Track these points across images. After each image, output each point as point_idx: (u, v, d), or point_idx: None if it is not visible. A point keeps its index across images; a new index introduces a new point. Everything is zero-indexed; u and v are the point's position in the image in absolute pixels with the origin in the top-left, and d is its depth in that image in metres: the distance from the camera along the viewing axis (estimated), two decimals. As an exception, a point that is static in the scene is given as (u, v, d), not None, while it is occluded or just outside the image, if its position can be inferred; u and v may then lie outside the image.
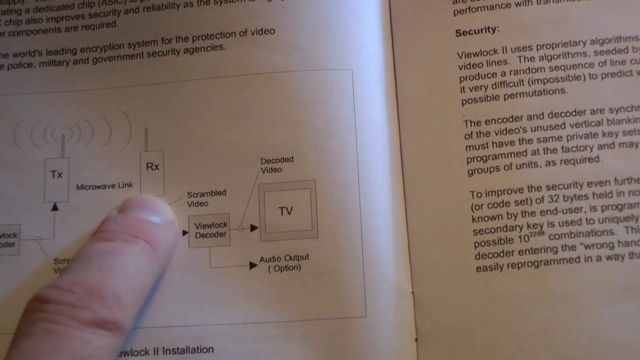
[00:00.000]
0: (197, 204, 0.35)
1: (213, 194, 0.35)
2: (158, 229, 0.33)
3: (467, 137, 0.35)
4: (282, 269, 0.34)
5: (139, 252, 0.31)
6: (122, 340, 0.30)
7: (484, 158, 0.34)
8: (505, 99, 0.35)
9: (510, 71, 0.35)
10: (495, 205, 0.34)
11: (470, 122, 0.35)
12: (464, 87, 0.35)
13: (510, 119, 0.35)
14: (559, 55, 0.35)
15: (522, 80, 0.35)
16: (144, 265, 0.31)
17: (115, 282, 0.30)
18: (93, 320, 0.28)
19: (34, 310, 0.29)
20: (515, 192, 0.34)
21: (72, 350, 0.27)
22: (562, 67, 0.35)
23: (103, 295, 0.29)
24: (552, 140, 0.34)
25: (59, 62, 0.37)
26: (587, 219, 0.33)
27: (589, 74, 0.35)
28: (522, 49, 0.35)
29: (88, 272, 0.30)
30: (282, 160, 0.35)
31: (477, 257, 0.33)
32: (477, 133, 0.35)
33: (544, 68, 0.35)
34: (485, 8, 0.36)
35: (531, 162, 0.34)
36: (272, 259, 0.34)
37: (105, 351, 0.28)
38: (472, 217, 0.34)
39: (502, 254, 0.33)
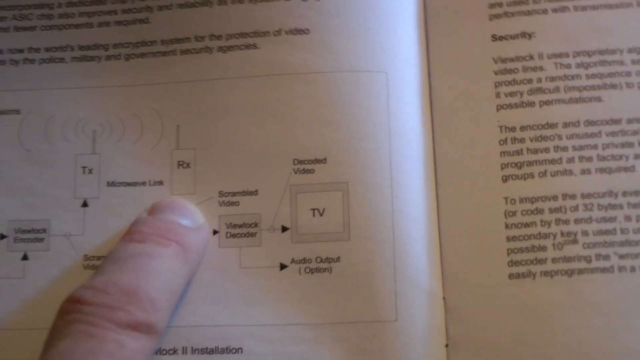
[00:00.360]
0: (228, 204, 0.35)
1: (244, 193, 0.35)
2: (189, 232, 0.33)
3: (502, 142, 0.34)
4: (313, 270, 0.34)
5: (171, 255, 0.31)
6: (156, 343, 0.30)
7: (519, 164, 0.34)
8: (540, 106, 0.35)
9: (546, 78, 0.35)
10: (529, 212, 0.34)
11: (505, 128, 0.35)
12: (499, 93, 0.35)
13: (546, 126, 0.34)
14: (596, 63, 0.35)
15: (558, 87, 0.35)
16: (176, 268, 0.31)
17: (150, 284, 0.30)
18: (129, 322, 0.28)
19: (69, 311, 0.28)
20: (550, 200, 0.34)
21: (108, 353, 0.27)
22: (599, 75, 0.35)
23: (138, 297, 0.29)
24: (588, 149, 0.34)
25: (91, 58, 0.37)
26: (621, 229, 0.33)
27: (626, 83, 0.35)
28: (559, 55, 0.35)
29: (122, 273, 0.30)
30: (314, 161, 0.35)
31: (510, 264, 0.33)
32: (511, 139, 0.34)
33: (580, 75, 0.35)
34: (522, 13, 0.36)
35: (566, 170, 0.34)
36: (302, 261, 0.34)
37: (141, 354, 0.28)
38: (506, 223, 0.34)
39: (535, 262, 0.33)
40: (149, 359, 0.29)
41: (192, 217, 0.34)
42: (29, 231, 0.35)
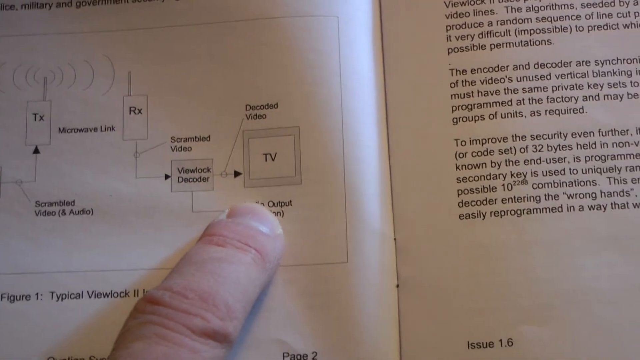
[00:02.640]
0: (180, 149, 0.35)
1: (197, 139, 0.35)
2: (268, 240, 0.32)
3: (453, 85, 0.35)
4: (266, 214, 0.34)
5: (250, 262, 0.31)
6: (228, 352, 0.29)
7: (469, 107, 0.34)
8: (491, 49, 0.35)
9: (497, 21, 0.35)
10: (479, 153, 0.34)
11: (456, 71, 0.35)
12: (450, 36, 0.35)
13: (496, 69, 0.34)
14: (546, 6, 0.35)
15: (509, 31, 0.35)
16: (253, 276, 0.31)
17: (228, 292, 0.29)
18: (205, 329, 0.27)
19: (145, 311, 0.28)
20: (500, 141, 0.34)
21: (182, 359, 0.27)
22: (549, 19, 0.35)
23: (216, 305, 0.28)
24: (538, 91, 0.34)
25: (41, 5, 0.36)
26: (570, 169, 0.33)
27: (576, 26, 0.35)
28: (509, -1, 0.35)
29: (201, 277, 0.29)
30: (266, 106, 0.35)
31: (460, 204, 0.33)
32: (462, 82, 0.35)
33: (530, 19, 0.35)
34: (473, -42, 0.36)
35: (516, 112, 0.34)
36: (255, 205, 0.34)
37: None
38: (456, 165, 0.34)
39: (485, 202, 0.33)
40: None
41: (271, 225, 0.33)
42: (-21, 178, 0.35)
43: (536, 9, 0.35)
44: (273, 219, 0.33)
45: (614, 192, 0.33)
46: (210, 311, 0.28)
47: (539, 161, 0.33)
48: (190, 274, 0.29)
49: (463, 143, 0.34)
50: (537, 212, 0.33)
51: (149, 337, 0.27)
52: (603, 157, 0.33)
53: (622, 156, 0.33)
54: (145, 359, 0.26)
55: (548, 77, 0.34)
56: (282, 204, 0.34)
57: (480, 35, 0.35)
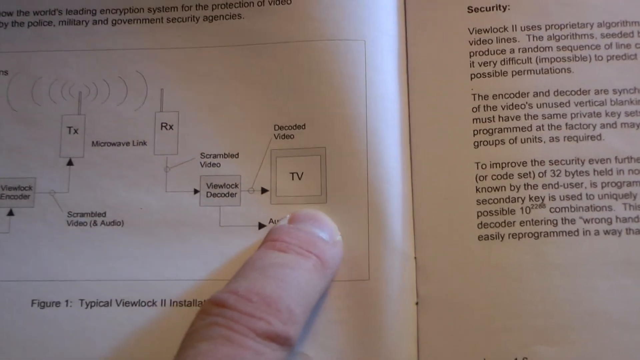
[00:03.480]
0: (209, 165, 0.36)
1: (226, 156, 0.36)
2: (328, 247, 0.33)
3: (475, 110, 0.36)
4: (290, 231, 0.35)
5: (311, 268, 0.31)
6: (289, 355, 0.30)
7: (490, 131, 0.35)
8: (512, 76, 0.36)
9: (519, 49, 0.36)
10: (499, 177, 0.35)
11: (478, 96, 0.36)
12: (473, 62, 0.36)
13: (517, 95, 0.36)
14: (567, 36, 0.36)
15: (530, 58, 0.36)
16: (314, 282, 0.32)
17: (291, 297, 0.30)
18: (268, 333, 0.28)
19: (211, 313, 0.29)
20: (519, 165, 0.35)
21: None
22: (570, 48, 0.36)
23: (279, 308, 0.29)
24: (557, 117, 0.35)
25: (78, 22, 0.38)
26: (587, 195, 0.34)
27: (595, 56, 0.36)
28: (532, 28, 0.36)
29: (265, 281, 0.30)
30: (294, 127, 0.36)
31: (480, 226, 0.35)
32: (484, 107, 0.36)
33: (551, 47, 0.36)
34: (497, -13, 0.37)
35: (535, 137, 0.35)
36: (280, 221, 0.35)
37: None
38: (476, 187, 0.35)
39: (503, 224, 0.34)
40: None
41: (331, 232, 0.34)
42: (15, 188, 0.36)
43: (557, 37, 0.36)
44: (333, 225, 0.34)
45: (629, 218, 0.34)
46: (273, 315, 0.29)
47: (556, 186, 0.34)
48: (253, 278, 0.30)
49: (483, 166, 0.35)
50: (554, 236, 0.34)
51: (215, 338, 0.28)
52: (619, 184, 0.34)
53: (638, 183, 0.34)
54: (212, 359, 0.27)
55: (567, 104, 0.35)
56: (307, 221, 0.35)
57: (503, 62, 0.36)
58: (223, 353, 0.27)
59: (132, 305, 0.35)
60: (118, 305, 0.35)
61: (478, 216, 0.35)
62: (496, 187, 0.35)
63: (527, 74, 0.36)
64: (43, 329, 0.35)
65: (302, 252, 0.32)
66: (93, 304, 0.35)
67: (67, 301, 0.35)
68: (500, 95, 0.36)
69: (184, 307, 0.34)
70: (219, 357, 0.27)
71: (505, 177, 0.35)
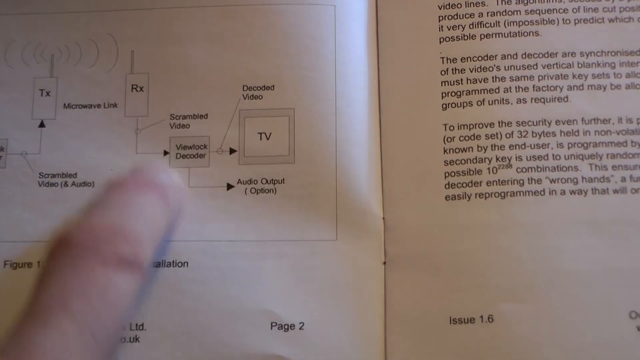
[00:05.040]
0: (178, 126, 0.36)
1: (195, 117, 0.36)
2: (167, 185, 0.33)
3: (443, 73, 0.36)
4: (259, 191, 0.35)
5: (152, 201, 0.32)
6: (142, 280, 0.30)
7: (458, 93, 0.36)
8: (481, 39, 0.36)
9: (488, 12, 0.36)
10: (467, 138, 0.35)
11: (447, 59, 0.36)
12: (442, 26, 0.37)
13: (485, 58, 0.36)
14: (535, 0, 0.36)
15: (499, 22, 0.36)
16: (157, 214, 0.32)
17: (134, 224, 0.30)
18: (118, 260, 0.28)
19: (57, 250, 0.29)
20: (486, 127, 0.35)
21: (99, 291, 0.27)
22: (537, 11, 0.36)
23: (124, 234, 0.29)
24: (524, 80, 0.35)
25: (49, -16, 0.38)
26: (553, 155, 0.35)
27: (563, 19, 0.36)
28: (500, -9, 0.37)
29: (108, 214, 0.30)
30: (263, 88, 0.36)
31: (447, 186, 0.35)
32: (452, 70, 0.36)
33: (519, 11, 0.36)
34: (466, -48, 0.37)
35: (503, 99, 0.35)
36: (249, 182, 0.35)
37: (129, 292, 0.29)
38: (444, 148, 0.35)
39: (470, 185, 0.35)
40: (135, 298, 0.29)
41: (167, 174, 0.34)
42: (-15, 149, 0.36)
43: (525, 1, 0.36)
44: (169, 170, 0.34)
45: (594, 178, 0.34)
46: (120, 240, 0.29)
47: (523, 146, 0.35)
48: (95, 213, 0.30)
49: (451, 128, 0.35)
50: (520, 195, 0.34)
51: (65, 273, 0.28)
52: (585, 145, 0.35)
53: (604, 144, 0.35)
54: (65, 295, 0.27)
55: (535, 66, 0.36)
56: (275, 181, 0.35)
57: (471, 26, 0.36)
58: (75, 287, 0.27)
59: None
60: None
61: (445, 177, 0.35)
62: (464, 148, 0.35)
63: (496, 37, 0.36)
64: (16, 291, 0.35)
65: (141, 188, 0.31)
66: None
67: (38, 262, 0.35)
68: (469, 58, 0.36)
69: (152, 268, 0.34)
70: (72, 292, 0.27)
71: (472, 138, 0.35)
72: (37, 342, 0.26)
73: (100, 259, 0.28)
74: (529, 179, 0.34)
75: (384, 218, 0.35)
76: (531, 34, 0.36)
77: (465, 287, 0.34)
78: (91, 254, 0.28)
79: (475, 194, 0.34)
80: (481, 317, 0.33)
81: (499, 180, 0.34)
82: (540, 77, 0.35)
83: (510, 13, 0.36)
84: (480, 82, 0.36)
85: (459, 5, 0.37)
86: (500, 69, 0.36)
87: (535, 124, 0.35)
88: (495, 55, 0.36)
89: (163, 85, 0.36)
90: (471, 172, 0.35)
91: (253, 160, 0.36)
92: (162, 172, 0.33)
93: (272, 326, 0.33)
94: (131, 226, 0.30)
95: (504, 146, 0.35)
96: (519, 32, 0.36)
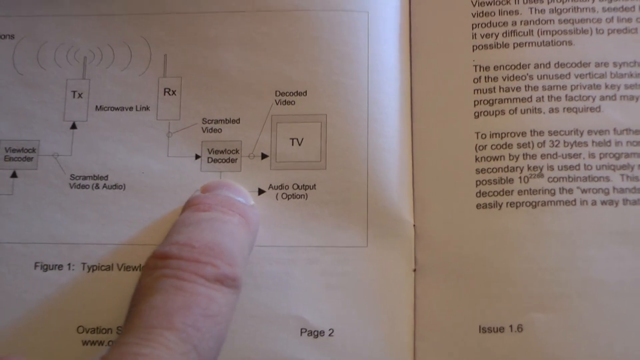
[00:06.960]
0: (210, 130, 0.36)
1: (227, 121, 0.36)
2: (247, 207, 0.34)
3: (476, 81, 0.36)
4: (290, 196, 0.35)
5: (238, 223, 0.32)
6: (238, 298, 0.30)
7: (491, 101, 0.36)
8: (514, 47, 0.36)
9: (521, 21, 0.36)
10: (499, 146, 0.35)
11: (480, 67, 0.36)
12: (475, 34, 0.37)
13: (518, 66, 0.36)
14: (569, 9, 0.36)
15: (532, 31, 0.36)
16: (244, 236, 0.32)
17: (229, 243, 0.30)
18: (216, 276, 0.29)
19: (157, 267, 0.29)
20: (518, 136, 0.35)
21: (201, 307, 0.28)
22: (571, 21, 0.36)
23: (221, 251, 0.29)
24: (557, 89, 0.35)
25: (84, -14, 0.38)
26: (585, 165, 0.35)
27: (596, 29, 0.36)
28: (534, 0, 0.36)
29: (201, 232, 0.30)
30: (295, 93, 0.36)
31: (478, 194, 0.35)
32: (485, 78, 0.36)
33: (553, 20, 0.36)
34: (500, -40, 0.37)
35: (535, 108, 0.35)
36: (280, 187, 0.35)
37: (229, 307, 0.29)
38: (476, 156, 0.35)
39: (502, 193, 0.35)
40: (233, 313, 0.29)
41: (245, 196, 0.35)
42: (19, 150, 0.36)
43: (559, 11, 0.36)
44: (246, 191, 0.35)
45: (626, 189, 0.34)
46: (218, 258, 0.29)
47: (555, 156, 0.35)
48: (189, 231, 0.30)
49: (483, 136, 0.35)
50: (551, 205, 0.34)
51: (166, 289, 0.28)
52: (617, 155, 0.35)
53: (636, 155, 0.35)
54: (168, 310, 0.27)
55: (567, 76, 0.36)
56: (307, 187, 0.35)
57: (505, 34, 0.36)
58: (177, 302, 0.27)
59: (133, 269, 0.35)
60: (119, 270, 0.35)
61: (477, 185, 0.35)
62: (495, 157, 0.35)
63: (529, 46, 0.36)
64: (45, 292, 0.35)
65: (226, 211, 0.32)
66: (95, 267, 0.35)
67: (69, 264, 0.35)
68: (502, 67, 0.36)
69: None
70: (175, 307, 0.27)
71: (504, 146, 0.35)
72: (143, 357, 0.26)
73: (201, 275, 0.28)
74: (560, 188, 0.34)
75: (414, 225, 0.35)
76: (564, 43, 0.36)
77: (495, 296, 0.34)
78: (192, 270, 0.28)
79: (507, 203, 0.34)
80: (510, 326, 0.33)
81: (530, 189, 0.34)
82: (573, 87, 0.35)
83: (543, 22, 0.36)
84: (513, 90, 0.36)
85: (493, 14, 0.37)
86: (533, 78, 0.36)
87: (567, 133, 0.35)
88: (528, 64, 0.36)
89: (195, 90, 0.37)
90: (502, 181, 0.35)
91: (285, 165, 0.36)
92: (238, 196, 0.34)
93: (301, 332, 0.34)
94: (226, 244, 0.30)
95: (536, 155, 0.35)
96: (552, 41, 0.36)
